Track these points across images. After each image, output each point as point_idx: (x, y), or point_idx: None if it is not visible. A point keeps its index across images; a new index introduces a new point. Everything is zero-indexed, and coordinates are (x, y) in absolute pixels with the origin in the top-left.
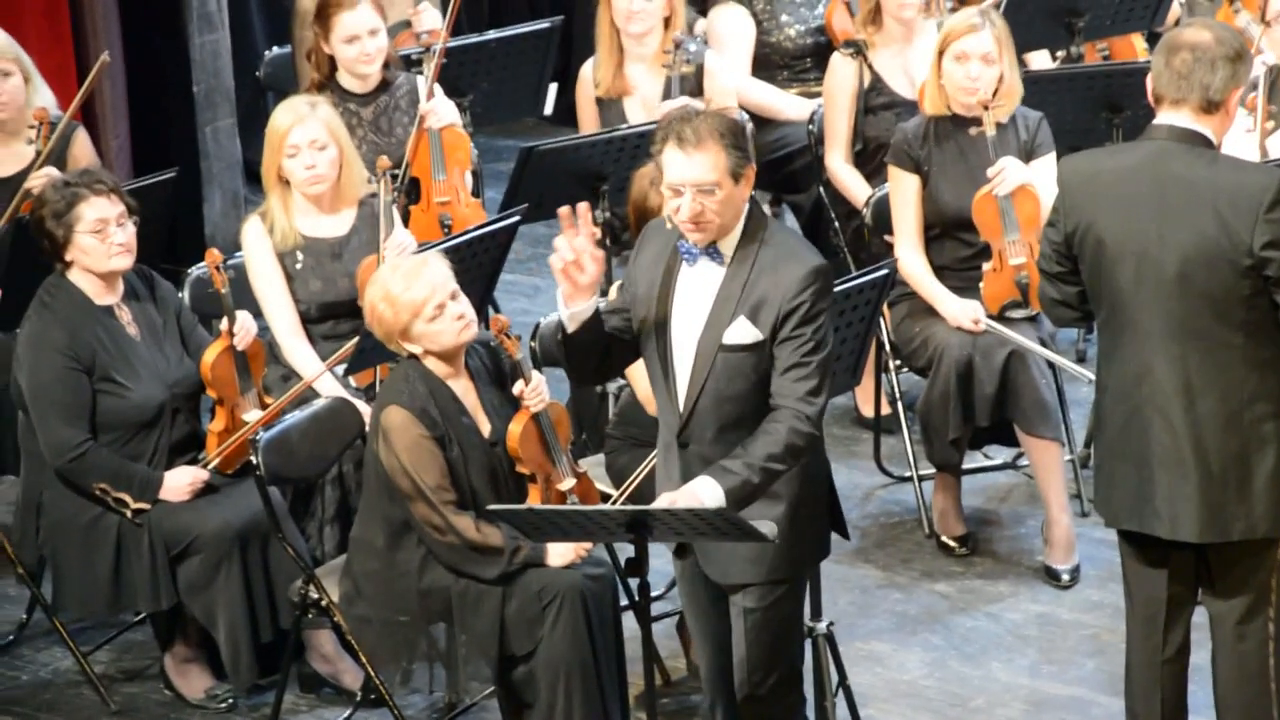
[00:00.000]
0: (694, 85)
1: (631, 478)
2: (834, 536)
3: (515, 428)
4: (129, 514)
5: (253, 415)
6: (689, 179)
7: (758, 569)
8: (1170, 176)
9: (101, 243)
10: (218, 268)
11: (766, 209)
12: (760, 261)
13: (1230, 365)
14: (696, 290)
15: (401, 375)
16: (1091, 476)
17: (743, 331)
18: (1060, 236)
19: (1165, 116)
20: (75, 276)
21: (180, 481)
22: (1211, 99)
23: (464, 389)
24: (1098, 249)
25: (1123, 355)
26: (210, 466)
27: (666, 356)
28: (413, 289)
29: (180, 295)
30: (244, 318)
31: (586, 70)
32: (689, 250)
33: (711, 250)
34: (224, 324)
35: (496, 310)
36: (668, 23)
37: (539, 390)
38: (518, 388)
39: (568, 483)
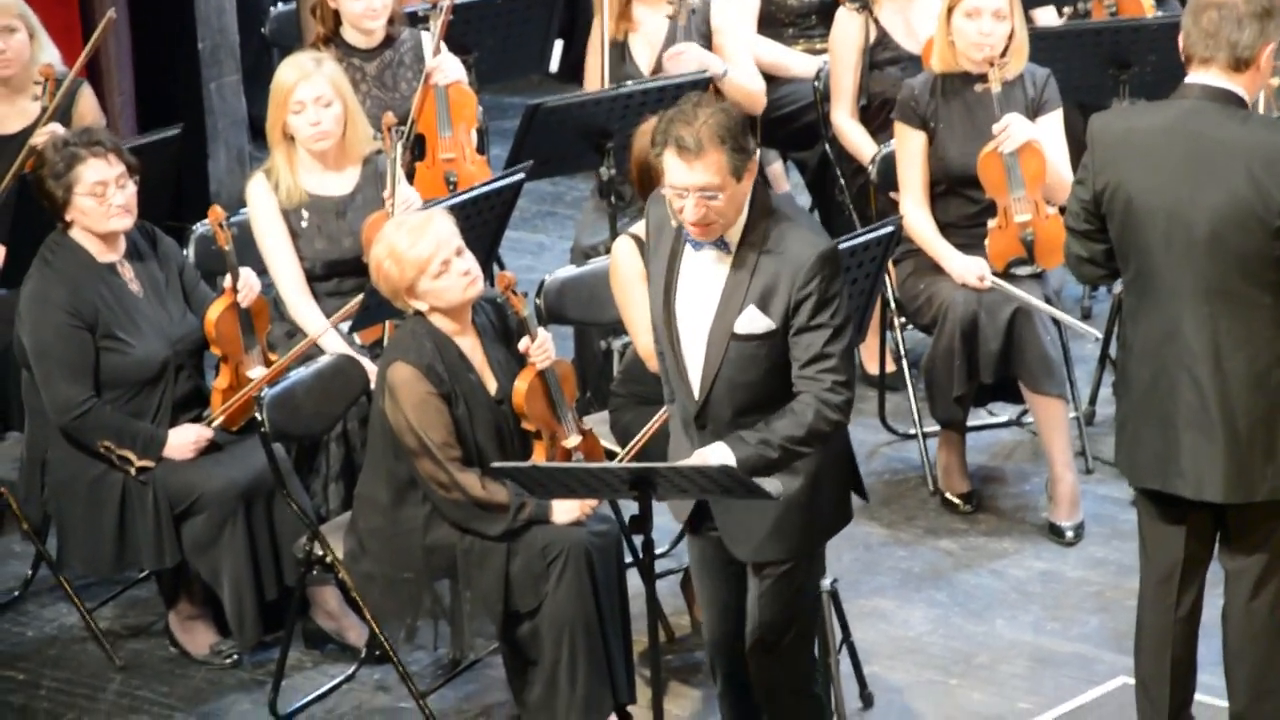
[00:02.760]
0: (703, 33)
1: (638, 435)
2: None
3: (521, 384)
4: (133, 471)
5: (257, 372)
6: (692, 184)
7: (784, 546)
8: (1202, 136)
9: (100, 204)
10: (221, 225)
11: (776, 167)
12: (767, 248)
13: (1259, 326)
14: (703, 278)
15: (408, 332)
16: (1096, 433)
17: (754, 321)
18: (1089, 194)
19: (1196, 75)
20: (77, 235)
21: (184, 439)
22: (1240, 56)
23: (470, 346)
24: (1127, 208)
25: (1150, 315)
26: (215, 424)
27: (674, 341)
28: (418, 245)
29: (184, 252)
30: (248, 275)
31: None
32: (694, 240)
33: (718, 239)
34: (228, 281)
35: (502, 267)
36: None
37: (545, 347)
38: (523, 344)
39: (573, 440)
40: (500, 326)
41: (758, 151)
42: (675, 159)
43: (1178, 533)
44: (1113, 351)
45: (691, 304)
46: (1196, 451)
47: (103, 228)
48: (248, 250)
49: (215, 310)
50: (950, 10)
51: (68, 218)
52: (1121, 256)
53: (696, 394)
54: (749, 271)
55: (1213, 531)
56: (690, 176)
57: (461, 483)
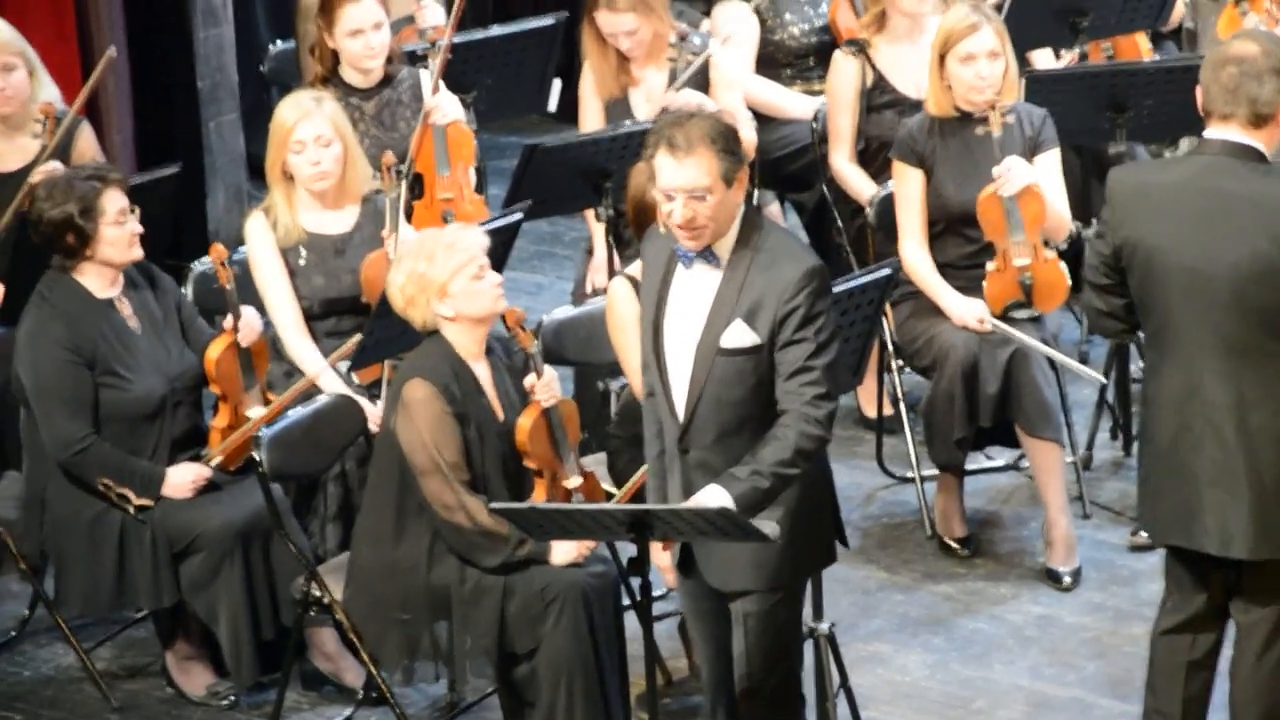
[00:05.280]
0: (700, 78)
1: (634, 478)
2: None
3: (525, 421)
4: (131, 510)
5: (256, 412)
6: (680, 185)
7: (758, 575)
8: (1222, 191)
9: (123, 233)
10: (223, 263)
11: (774, 209)
12: (756, 263)
13: None
14: (693, 294)
15: (426, 351)
16: (1093, 478)
17: (740, 335)
18: (1109, 249)
19: (1215, 131)
20: (80, 273)
21: (183, 478)
22: (1260, 112)
23: (484, 373)
24: (1148, 263)
25: (1172, 370)
26: (213, 464)
27: (661, 361)
28: (462, 242)
29: (183, 290)
30: (249, 314)
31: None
32: (685, 254)
33: (707, 253)
34: (228, 320)
35: None
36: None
37: (550, 385)
38: (529, 381)
39: (574, 481)
40: (507, 360)
41: (747, 162)
42: (666, 157)
43: (1200, 583)
44: (1109, 397)
45: (681, 322)
46: (1222, 507)
47: (125, 257)
48: (247, 289)
49: (215, 349)
50: (942, 57)
51: (89, 253)
52: (1143, 311)
53: (681, 412)
54: (737, 286)
55: (1235, 583)
56: (679, 175)
57: (468, 505)
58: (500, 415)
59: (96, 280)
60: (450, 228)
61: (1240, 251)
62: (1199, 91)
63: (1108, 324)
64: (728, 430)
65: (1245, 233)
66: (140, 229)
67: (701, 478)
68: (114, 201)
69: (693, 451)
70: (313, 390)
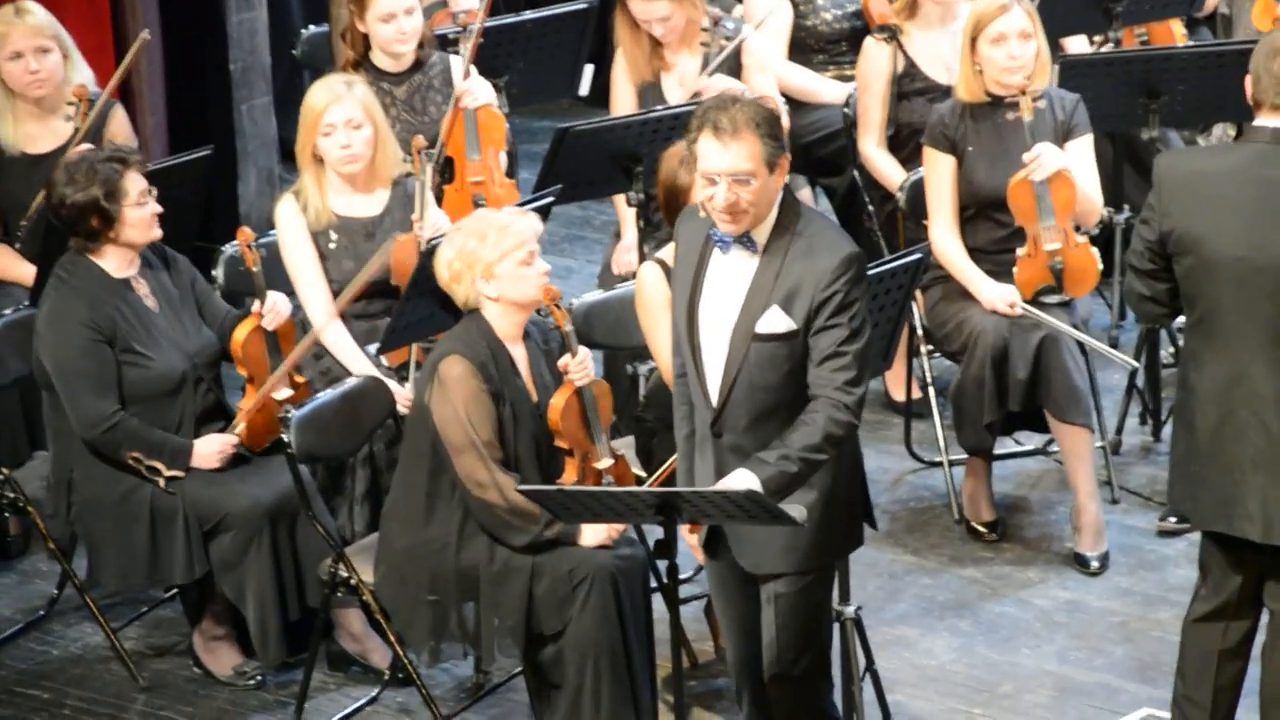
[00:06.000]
0: (733, 63)
1: (668, 462)
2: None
3: (558, 400)
4: (161, 483)
5: (284, 394)
6: (725, 168)
7: (790, 559)
8: (1273, 180)
9: (145, 213)
10: (249, 246)
11: (805, 193)
12: (794, 250)
13: None
14: (729, 279)
15: (464, 329)
16: (1122, 462)
17: (776, 321)
18: (1154, 235)
19: (1266, 120)
20: (99, 255)
21: (211, 449)
22: None
23: (521, 355)
24: (1196, 251)
25: (1216, 358)
26: (237, 431)
27: (695, 345)
28: (513, 228)
29: (214, 272)
30: (277, 298)
31: (621, 56)
32: (722, 238)
33: (745, 239)
34: (255, 304)
35: None
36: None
37: (584, 364)
38: (563, 360)
39: (605, 462)
40: (544, 345)
41: (788, 150)
42: (711, 140)
43: (1236, 570)
44: (1139, 382)
45: (716, 306)
46: (1265, 494)
47: (147, 237)
48: (277, 272)
49: (242, 332)
50: (974, 40)
51: (113, 234)
52: (1188, 299)
53: (715, 398)
54: (774, 272)
55: (1270, 570)
56: (723, 159)
57: (500, 483)
58: (535, 397)
59: (115, 261)
60: (506, 210)
61: None
62: (1248, 81)
63: (1149, 308)
64: (761, 415)
65: None
66: (159, 209)
67: (734, 461)
68: (135, 183)
69: (726, 435)
70: (342, 373)
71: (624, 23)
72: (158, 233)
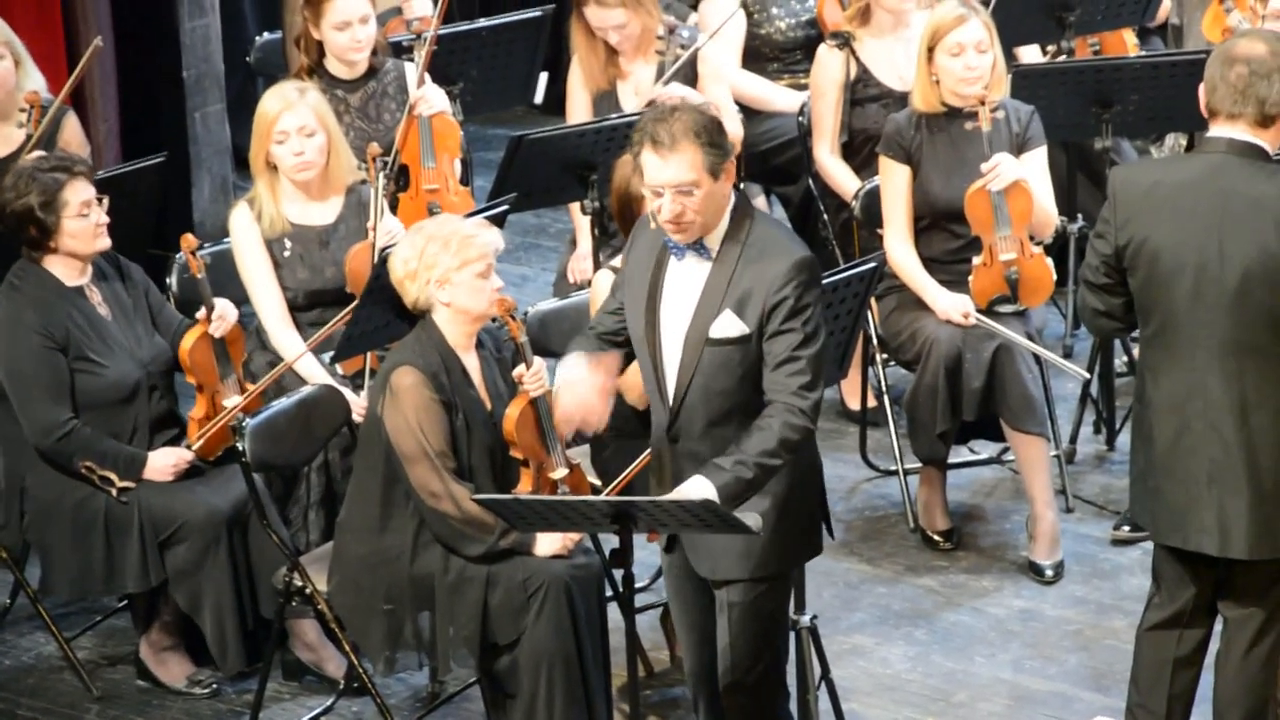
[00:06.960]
0: (688, 71)
1: (626, 472)
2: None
3: (513, 411)
4: (114, 492)
5: (233, 401)
6: (666, 180)
7: (745, 564)
8: (1230, 191)
9: (87, 225)
10: (193, 253)
11: (760, 201)
12: (746, 255)
13: None
14: (684, 285)
15: (415, 339)
16: (1077, 471)
17: (728, 325)
18: (1110, 249)
19: (1221, 129)
20: (48, 262)
21: (165, 462)
22: (1268, 112)
23: (474, 364)
24: (1153, 263)
25: (1174, 369)
26: (194, 448)
27: (656, 352)
28: (477, 240)
29: (168, 280)
30: (223, 305)
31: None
32: (676, 246)
33: (698, 245)
34: (202, 311)
35: None
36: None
37: (539, 375)
38: (518, 371)
39: (560, 472)
40: (497, 354)
41: (734, 153)
42: (651, 154)
43: (1191, 581)
44: (1093, 391)
45: (673, 312)
46: (1221, 507)
47: (90, 248)
48: (229, 279)
49: (189, 340)
50: (931, 50)
51: (53, 244)
52: (1143, 311)
53: (670, 401)
54: (727, 277)
55: (1225, 580)
56: (665, 172)
57: (454, 493)
58: (489, 406)
59: (64, 270)
60: (473, 221)
61: (1248, 251)
62: (1203, 90)
63: (1103, 323)
64: (715, 420)
65: (1254, 232)
66: (107, 219)
67: (690, 468)
68: (78, 193)
69: (682, 441)
70: (296, 381)
71: (579, 31)
72: (105, 243)
